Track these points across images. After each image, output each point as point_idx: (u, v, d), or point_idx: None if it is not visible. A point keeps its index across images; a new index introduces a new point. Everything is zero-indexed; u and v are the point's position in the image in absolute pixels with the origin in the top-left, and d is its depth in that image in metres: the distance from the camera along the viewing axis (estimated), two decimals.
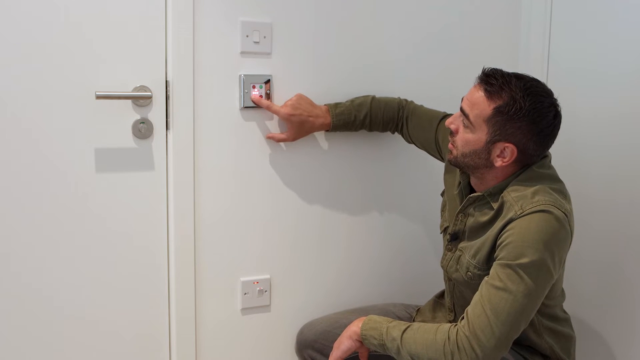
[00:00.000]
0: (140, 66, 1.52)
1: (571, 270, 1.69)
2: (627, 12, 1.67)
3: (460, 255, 1.43)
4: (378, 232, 1.86)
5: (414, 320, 1.65)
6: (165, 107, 1.56)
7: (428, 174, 1.87)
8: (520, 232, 1.25)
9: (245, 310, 1.72)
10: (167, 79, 1.54)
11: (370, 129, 1.70)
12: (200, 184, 1.61)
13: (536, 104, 1.28)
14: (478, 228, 1.38)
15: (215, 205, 1.64)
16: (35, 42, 1.42)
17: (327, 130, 1.67)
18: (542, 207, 1.26)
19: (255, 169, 1.67)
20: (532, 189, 1.30)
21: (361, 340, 1.37)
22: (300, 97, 1.62)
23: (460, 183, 1.47)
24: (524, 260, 1.23)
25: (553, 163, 1.41)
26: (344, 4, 1.70)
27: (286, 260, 1.75)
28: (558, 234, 1.25)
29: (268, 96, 1.63)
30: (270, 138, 1.65)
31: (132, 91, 1.51)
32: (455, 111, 1.40)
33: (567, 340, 1.46)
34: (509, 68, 1.38)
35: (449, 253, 1.48)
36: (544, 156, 1.38)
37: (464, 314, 1.27)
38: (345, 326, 1.47)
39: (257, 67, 1.62)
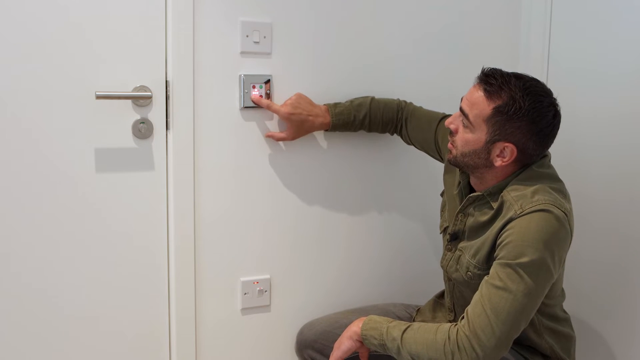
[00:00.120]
0: (140, 66, 1.52)
1: (571, 270, 1.69)
2: (627, 12, 1.67)
3: (460, 255, 1.43)
4: (378, 232, 1.86)
5: (414, 320, 1.65)
6: (165, 107, 1.56)
7: (428, 174, 1.87)
8: (520, 232, 1.25)
9: (245, 310, 1.72)
10: (167, 79, 1.55)
11: (370, 129, 1.70)
12: (200, 184, 1.61)
13: (535, 104, 1.28)
14: (478, 228, 1.38)
15: (215, 205, 1.64)
16: (35, 42, 1.42)
17: (326, 130, 1.67)
18: (542, 207, 1.26)
19: (255, 168, 1.67)
20: (531, 189, 1.30)
21: (361, 341, 1.37)
22: (300, 97, 1.62)
23: (459, 183, 1.47)
24: (524, 259, 1.23)
25: (553, 163, 1.41)
26: (344, 4, 1.70)
27: (286, 260, 1.75)
28: (558, 233, 1.26)
29: (268, 96, 1.63)
30: (270, 137, 1.65)
31: (132, 91, 1.51)
32: (455, 111, 1.40)
33: (567, 340, 1.46)
34: (509, 68, 1.38)
35: (449, 253, 1.48)
36: (544, 156, 1.38)
37: (464, 314, 1.27)
38: (345, 326, 1.47)
39: (257, 67, 1.62)
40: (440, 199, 1.60)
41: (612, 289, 1.74)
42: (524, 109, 1.28)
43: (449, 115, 1.62)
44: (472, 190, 1.45)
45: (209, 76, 1.58)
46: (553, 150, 1.41)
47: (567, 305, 1.51)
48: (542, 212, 1.25)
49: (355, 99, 1.69)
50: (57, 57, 1.44)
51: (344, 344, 1.39)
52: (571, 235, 1.32)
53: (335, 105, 1.66)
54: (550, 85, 1.36)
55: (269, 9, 1.62)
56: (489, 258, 1.34)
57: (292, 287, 1.77)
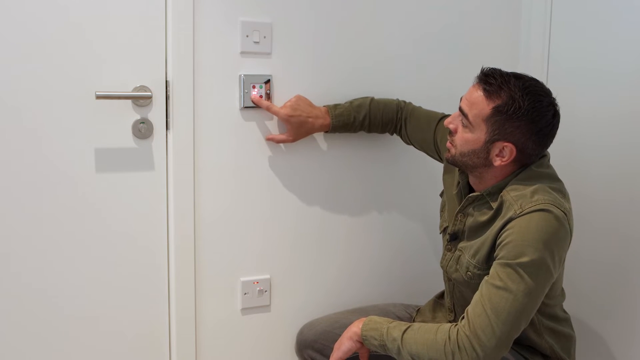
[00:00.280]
0: (140, 66, 1.52)
1: (571, 270, 1.69)
2: (627, 12, 1.67)
3: (460, 255, 1.43)
4: (378, 232, 1.86)
5: (414, 320, 1.65)
6: (165, 107, 1.56)
7: (428, 174, 1.87)
8: (519, 231, 1.25)
9: (245, 310, 1.72)
10: (167, 79, 1.55)
11: (369, 130, 1.70)
12: (200, 183, 1.61)
13: (535, 104, 1.29)
14: (477, 228, 1.38)
15: (215, 205, 1.64)
16: (35, 42, 1.42)
17: (326, 132, 1.67)
18: (541, 206, 1.26)
19: (255, 168, 1.67)
20: (531, 188, 1.30)
21: (362, 341, 1.37)
22: (299, 98, 1.62)
23: (459, 183, 1.47)
24: (524, 259, 1.23)
25: (553, 163, 1.41)
26: (344, 4, 1.70)
27: (286, 260, 1.75)
28: (558, 233, 1.26)
29: (268, 96, 1.63)
30: (270, 139, 1.65)
31: (132, 91, 1.51)
32: (455, 111, 1.40)
33: (567, 340, 1.46)
34: (509, 68, 1.38)
35: (449, 253, 1.48)
36: (543, 155, 1.38)
37: (464, 314, 1.27)
38: (345, 326, 1.47)
39: (257, 67, 1.63)
40: (440, 199, 1.60)
41: (612, 289, 1.74)
42: (523, 109, 1.28)
43: (448, 115, 1.62)
44: (471, 190, 1.45)
45: (209, 76, 1.58)
46: (553, 150, 1.41)
47: (567, 305, 1.51)
48: (541, 211, 1.25)
49: (355, 99, 1.69)
50: (57, 57, 1.44)
51: (344, 344, 1.39)
52: (571, 235, 1.32)
53: (335, 106, 1.66)
54: (550, 85, 1.37)
55: (269, 9, 1.62)
56: (489, 258, 1.34)
57: (292, 287, 1.77)
